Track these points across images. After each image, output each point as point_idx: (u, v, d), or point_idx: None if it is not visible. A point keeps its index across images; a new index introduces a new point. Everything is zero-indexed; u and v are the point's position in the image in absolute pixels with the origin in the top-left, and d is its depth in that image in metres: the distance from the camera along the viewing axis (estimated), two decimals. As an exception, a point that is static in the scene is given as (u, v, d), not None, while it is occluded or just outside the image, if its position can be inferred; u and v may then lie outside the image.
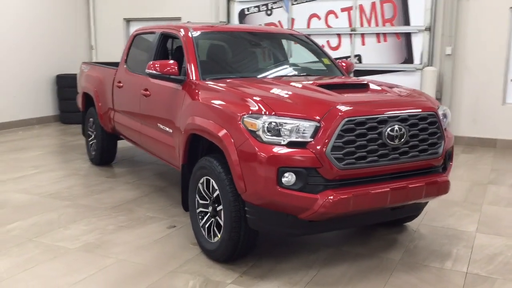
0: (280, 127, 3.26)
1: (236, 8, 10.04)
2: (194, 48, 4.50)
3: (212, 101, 3.81)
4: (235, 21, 10.06)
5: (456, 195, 5.53)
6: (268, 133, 3.27)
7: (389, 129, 3.37)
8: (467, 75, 8.42)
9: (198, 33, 4.73)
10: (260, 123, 3.28)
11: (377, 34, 8.96)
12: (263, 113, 3.34)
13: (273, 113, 3.33)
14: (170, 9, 10.60)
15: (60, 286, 3.39)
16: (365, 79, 4.87)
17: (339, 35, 9.25)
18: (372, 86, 4.05)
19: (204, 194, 3.82)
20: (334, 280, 3.54)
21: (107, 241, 4.16)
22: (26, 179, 6.08)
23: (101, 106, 6.27)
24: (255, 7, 9.87)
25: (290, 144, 3.27)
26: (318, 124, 3.26)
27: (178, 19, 10.44)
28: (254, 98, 3.52)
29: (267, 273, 3.62)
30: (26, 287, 3.38)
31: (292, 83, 3.97)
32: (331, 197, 3.21)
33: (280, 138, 3.26)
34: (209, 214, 3.80)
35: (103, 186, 5.77)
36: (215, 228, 3.74)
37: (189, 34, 4.66)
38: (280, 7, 9.62)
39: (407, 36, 8.74)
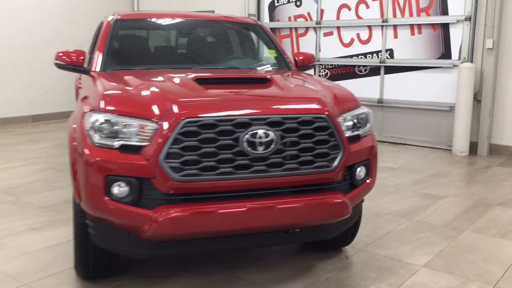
0: (116, 127, 2.74)
1: (266, 0, 9.51)
2: (107, 36, 4.07)
3: (83, 94, 3.39)
4: (265, 13, 9.52)
5: (442, 217, 4.59)
6: (100, 134, 2.76)
7: (249, 134, 2.71)
8: (513, 73, 7.14)
9: (121, 20, 4.30)
10: (90, 121, 2.79)
11: (411, 26, 7.91)
12: (100, 109, 2.84)
13: (111, 110, 2.81)
14: (204, 2, 10.31)
15: None
16: (277, 73, 3.82)
17: (369, 27, 8.31)
18: (276, 81, 3.34)
19: None
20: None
21: (2, 244, 3.90)
22: (4, 171, 6.07)
23: None
24: (285, -2, 9.27)
25: (123, 148, 2.73)
26: (156, 126, 2.70)
27: (212, 12, 10.12)
28: (104, 92, 3.02)
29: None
30: None
31: (175, 77, 3.37)
32: (163, 215, 2.64)
33: (113, 140, 2.74)
34: None
35: (64, 183, 5.57)
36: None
37: (109, 21, 4.24)
38: (310, -3, 8.92)
39: (445, 27, 7.61)
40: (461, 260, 3.67)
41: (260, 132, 2.72)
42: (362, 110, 3.23)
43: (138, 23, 4.53)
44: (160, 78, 3.37)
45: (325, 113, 2.90)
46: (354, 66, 8.57)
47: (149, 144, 2.67)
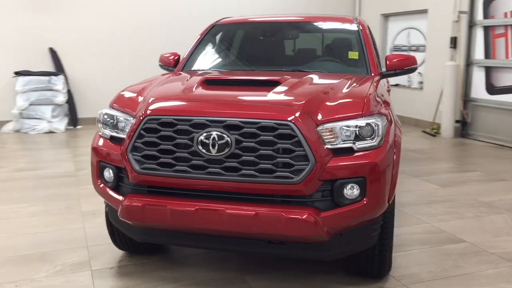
0: (111, 120, 3.12)
1: (482, -5, 8.42)
2: (199, 40, 4.46)
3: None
4: (479, 9, 8.44)
5: None
6: (103, 125, 3.17)
7: (203, 135, 2.72)
8: None
9: (218, 25, 4.61)
10: (99, 114, 3.22)
11: None
12: (110, 104, 3.25)
13: (113, 105, 3.22)
14: (414, 2, 9.72)
15: None
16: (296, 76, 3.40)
17: None
18: (284, 85, 3.15)
19: None
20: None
21: (95, 215, 4.61)
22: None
23: None
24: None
25: (113, 139, 3.09)
26: (132, 121, 2.97)
27: (425, 11, 9.50)
28: (123, 90, 3.40)
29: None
30: None
31: (194, 77, 3.49)
32: (125, 202, 2.90)
33: (109, 131, 3.12)
34: None
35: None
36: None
37: (207, 27, 4.59)
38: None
39: None
40: None
41: (214, 134, 2.69)
42: (366, 120, 2.80)
43: (231, 27, 4.72)
44: (186, 78, 3.56)
45: (291, 120, 2.65)
46: None
47: (126, 137, 2.94)
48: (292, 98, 2.91)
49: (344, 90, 3.13)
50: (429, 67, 9.43)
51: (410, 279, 3.37)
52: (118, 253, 3.75)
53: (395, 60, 3.97)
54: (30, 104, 8.99)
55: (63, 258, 3.68)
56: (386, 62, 3.96)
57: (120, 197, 2.97)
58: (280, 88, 3.07)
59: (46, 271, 3.47)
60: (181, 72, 4.05)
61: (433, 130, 8.92)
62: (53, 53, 9.44)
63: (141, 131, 2.84)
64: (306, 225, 2.65)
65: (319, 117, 2.76)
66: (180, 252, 3.78)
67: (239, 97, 3.02)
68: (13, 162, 6.81)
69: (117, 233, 3.53)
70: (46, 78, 9.04)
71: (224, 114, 2.75)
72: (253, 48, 4.55)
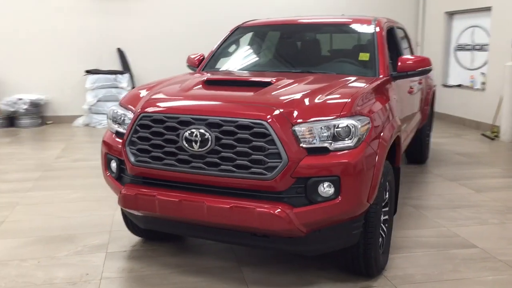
0: (117, 116, 3.43)
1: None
2: (222, 42, 4.69)
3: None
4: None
5: None
6: (111, 120, 3.50)
7: (188, 132, 2.95)
8: None
9: (241, 28, 4.82)
10: (109, 110, 3.56)
11: None
12: (119, 102, 3.58)
13: (121, 102, 3.53)
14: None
15: None
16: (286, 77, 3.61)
17: None
18: (274, 86, 3.31)
19: None
20: None
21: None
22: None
23: None
24: None
25: (117, 133, 3.41)
26: (132, 117, 3.26)
27: (488, 9, 9.13)
28: (133, 88, 3.71)
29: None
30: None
31: (199, 77, 3.72)
32: (122, 191, 3.20)
33: (114, 126, 3.43)
34: None
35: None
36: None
37: (231, 30, 4.81)
38: None
39: None
40: None
41: (197, 131, 2.92)
42: (344, 121, 2.89)
43: (252, 29, 4.87)
44: (191, 78, 3.80)
45: (265, 119, 2.81)
46: None
47: (126, 131, 3.24)
48: (272, 98, 3.07)
49: (332, 91, 3.22)
50: (492, 67, 9.03)
51: (402, 280, 3.39)
52: (135, 239, 4.08)
53: (407, 62, 3.96)
54: (98, 100, 9.70)
55: (86, 240, 4.07)
56: (398, 63, 3.97)
57: (120, 186, 3.28)
58: (267, 89, 3.23)
59: (67, 250, 3.87)
60: (195, 72, 4.31)
61: (493, 134, 8.55)
62: (120, 53, 10.12)
63: (136, 126, 3.12)
64: (277, 220, 2.80)
65: (297, 117, 2.88)
66: (190, 241, 4.04)
67: (224, 97, 3.22)
68: (75, 153, 7.44)
69: (129, 220, 3.85)
70: (113, 76, 9.72)
71: (207, 112, 2.96)
72: (269, 49, 4.71)
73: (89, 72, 9.80)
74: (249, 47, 4.77)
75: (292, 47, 4.68)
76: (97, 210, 4.80)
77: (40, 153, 7.58)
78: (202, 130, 2.91)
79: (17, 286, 3.31)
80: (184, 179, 3.03)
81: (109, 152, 3.41)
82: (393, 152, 3.68)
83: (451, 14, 10.44)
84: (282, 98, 3.05)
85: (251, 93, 3.17)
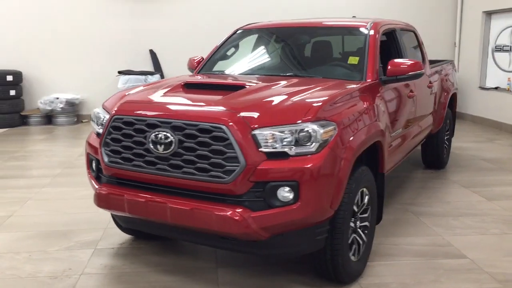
0: (98, 118, 3.55)
1: None
2: (221, 43, 4.76)
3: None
4: None
5: None
6: (94, 122, 3.62)
7: (153, 134, 3.03)
8: None
9: (241, 31, 4.85)
10: (91, 113, 3.69)
11: None
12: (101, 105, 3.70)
13: (103, 105, 3.64)
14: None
15: None
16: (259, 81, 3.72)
17: None
18: (246, 90, 3.33)
19: None
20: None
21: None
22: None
23: None
24: None
25: (98, 134, 3.52)
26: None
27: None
28: (117, 92, 3.83)
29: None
30: None
31: (179, 81, 3.78)
32: (97, 191, 3.32)
33: (98, 127, 3.55)
34: None
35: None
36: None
37: (230, 33, 4.86)
38: None
39: None
40: None
41: (162, 134, 2.98)
42: (305, 127, 2.87)
43: (250, 32, 4.87)
44: (171, 81, 3.86)
45: (224, 123, 2.84)
46: None
47: (102, 133, 3.36)
48: (237, 102, 3.09)
49: (303, 96, 3.21)
50: (529, 69, 8.62)
51: (376, 288, 3.33)
52: (125, 237, 4.20)
53: (397, 66, 3.88)
54: (129, 100, 9.98)
55: (80, 236, 4.23)
56: (387, 67, 3.89)
57: (97, 185, 3.39)
58: (237, 93, 3.26)
59: (60, 245, 4.04)
60: (192, 75, 4.39)
61: (528, 139, 8.16)
62: (152, 54, 10.38)
63: (110, 128, 3.23)
64: (234, 223, 2.82)
65: (257, 121, 2.89)
66: (177, 240, 4.11)
67: (192, 100, 3.27)
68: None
69: (114, 215, 3.97)
70: (143, 77, 9.98)
71: (172, 116, 3.02)
72: (263, 53, 4.71)
73: (121, 72, 10.11)
74: (245, 50, 4.79)
75: (285, 50, 4.67)
76: (99, 208, 4.95)
77: (67, 151, 7.90)
78: (166, 133, 2.97)
79: (4, 278, 3.49)
80: (151, 180, 3.11)
81: (90, 152, 3.53)
82: (376, 157, 3.61)
83: (489, 14, 10.03)
84: (246, 102, 3.07)
85: (220, 97, 3.19)
